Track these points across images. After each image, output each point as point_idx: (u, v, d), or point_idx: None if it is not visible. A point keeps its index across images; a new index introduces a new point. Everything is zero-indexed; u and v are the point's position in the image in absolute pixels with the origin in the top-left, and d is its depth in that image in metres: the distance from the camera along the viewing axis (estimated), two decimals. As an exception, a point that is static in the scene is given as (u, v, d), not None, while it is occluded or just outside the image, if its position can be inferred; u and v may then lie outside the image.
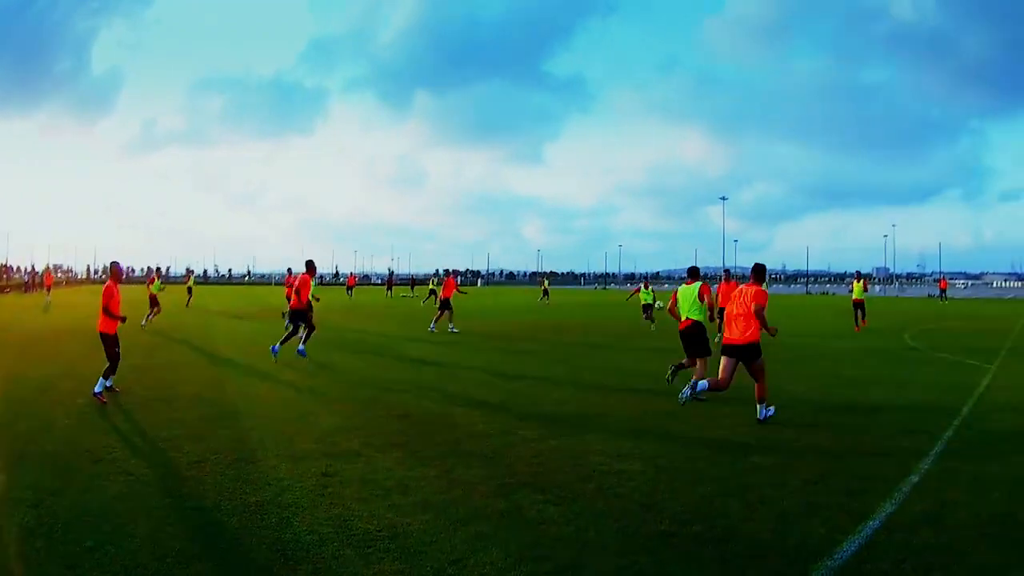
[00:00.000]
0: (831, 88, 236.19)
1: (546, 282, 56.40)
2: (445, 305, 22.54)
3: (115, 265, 11.29)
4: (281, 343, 14.38)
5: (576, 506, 5.52)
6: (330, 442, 7.60)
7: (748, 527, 5.03)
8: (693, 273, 11.23)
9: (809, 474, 6.39)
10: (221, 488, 5.97)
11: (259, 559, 4.50)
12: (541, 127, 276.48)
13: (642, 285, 25.49)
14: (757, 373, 8.81)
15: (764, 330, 8.82)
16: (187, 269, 54.62)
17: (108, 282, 10.63)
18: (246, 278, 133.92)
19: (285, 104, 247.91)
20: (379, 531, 4.91)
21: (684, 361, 10.97)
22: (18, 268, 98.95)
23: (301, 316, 14.80)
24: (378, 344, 18.65)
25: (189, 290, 39.31)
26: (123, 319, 10.56)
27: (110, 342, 10.38)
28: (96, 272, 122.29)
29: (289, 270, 31.50)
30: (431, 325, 22.46)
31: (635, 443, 7.58)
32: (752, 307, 8.74)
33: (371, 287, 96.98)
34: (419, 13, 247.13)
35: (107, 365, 10.27)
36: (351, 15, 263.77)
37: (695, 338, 10.68)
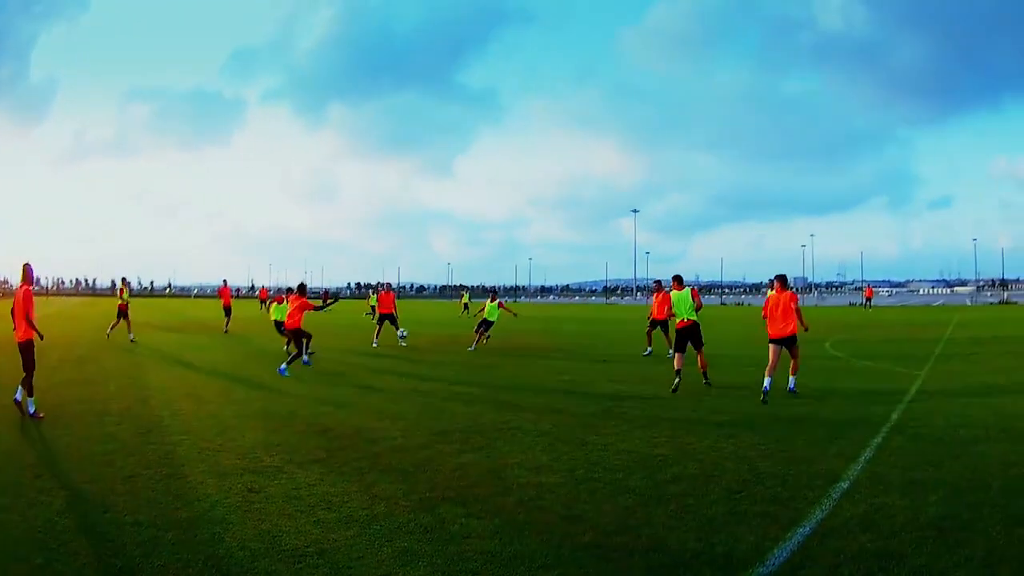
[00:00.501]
0: (752, 99, 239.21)
1: (466, 295, 54.79)
2: (389, 319, 22.31)
3: (28, 267, 10.30)
4: (288, 364, 14.77)
5: (498, 520, 5.53)
6: (253, 458, 7.59)
7: (674, 536, 5.07)
8: (679, 280, 13.78)
9: (732, 483, 6.46)
10: (155, 503, 5.98)
11: (197, 575, 4.53)
12: (453, 139, 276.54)
13: (489, 298, 22.20)
14: (797, 353, 11.78)
15: (800, 324, 11.79)
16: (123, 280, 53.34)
17: (24, 286, 10.06)
18: (167, 291, 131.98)
19: (205, 114, 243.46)
20: (307, 547, 4.91)
21: (679, 368, 12.49)
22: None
23: (300, 334, 15.55)
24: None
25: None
26: (41, 336, 10.06)
27: (30, 350, 9.83)
28: (35, 283, 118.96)
29: (224, 281, 31.52)
30: (374, 341, 22.00)
31: (552, 455, 7.64)
32: (794, 308, 11.67)
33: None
34: (336, 23, 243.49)
35: (23, 376, 9.72)
36: (272, 25, 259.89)
37: (694, 334, 12.96)
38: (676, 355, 12.67)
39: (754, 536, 5.04)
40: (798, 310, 11.72)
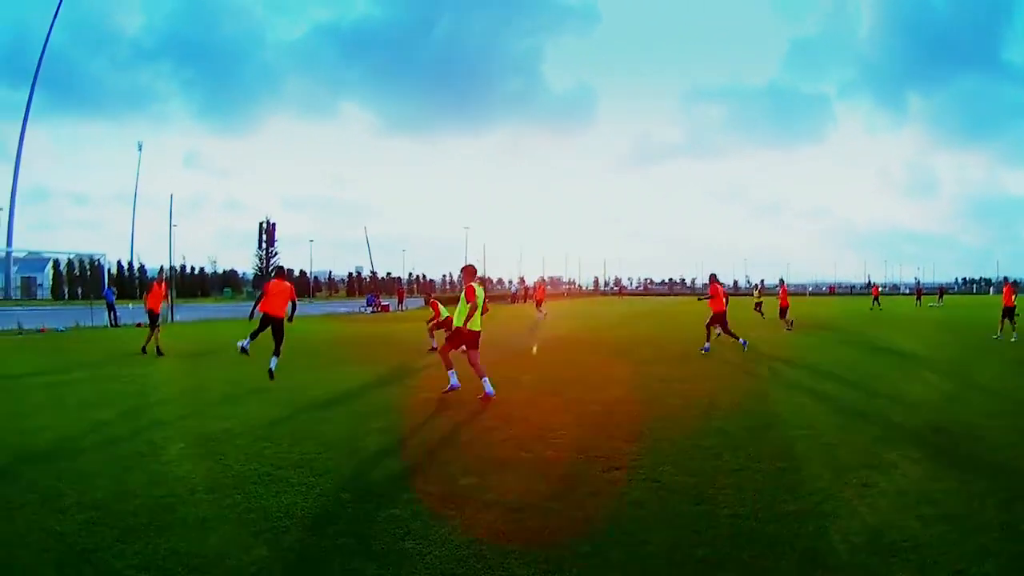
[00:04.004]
0: None
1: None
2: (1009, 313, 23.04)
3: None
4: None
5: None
6: (871, 453, 7.74)
7: None
8: None
9: None
10: (761, 496, 6.17)
11: (786, 567, 4.75)
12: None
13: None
14: None
15: None
16: (761, 281, 57.35)
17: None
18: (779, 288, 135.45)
19: (786, 111, 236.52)
20: (904, 541, 5.13)
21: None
22: (499, 280, 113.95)
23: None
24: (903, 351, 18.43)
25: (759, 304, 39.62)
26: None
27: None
28: (607, 284, 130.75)
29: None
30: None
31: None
32: None
33: (898, 296, 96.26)
34: (881, 7, 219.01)
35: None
36: (819, 15, 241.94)
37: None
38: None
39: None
40: None
